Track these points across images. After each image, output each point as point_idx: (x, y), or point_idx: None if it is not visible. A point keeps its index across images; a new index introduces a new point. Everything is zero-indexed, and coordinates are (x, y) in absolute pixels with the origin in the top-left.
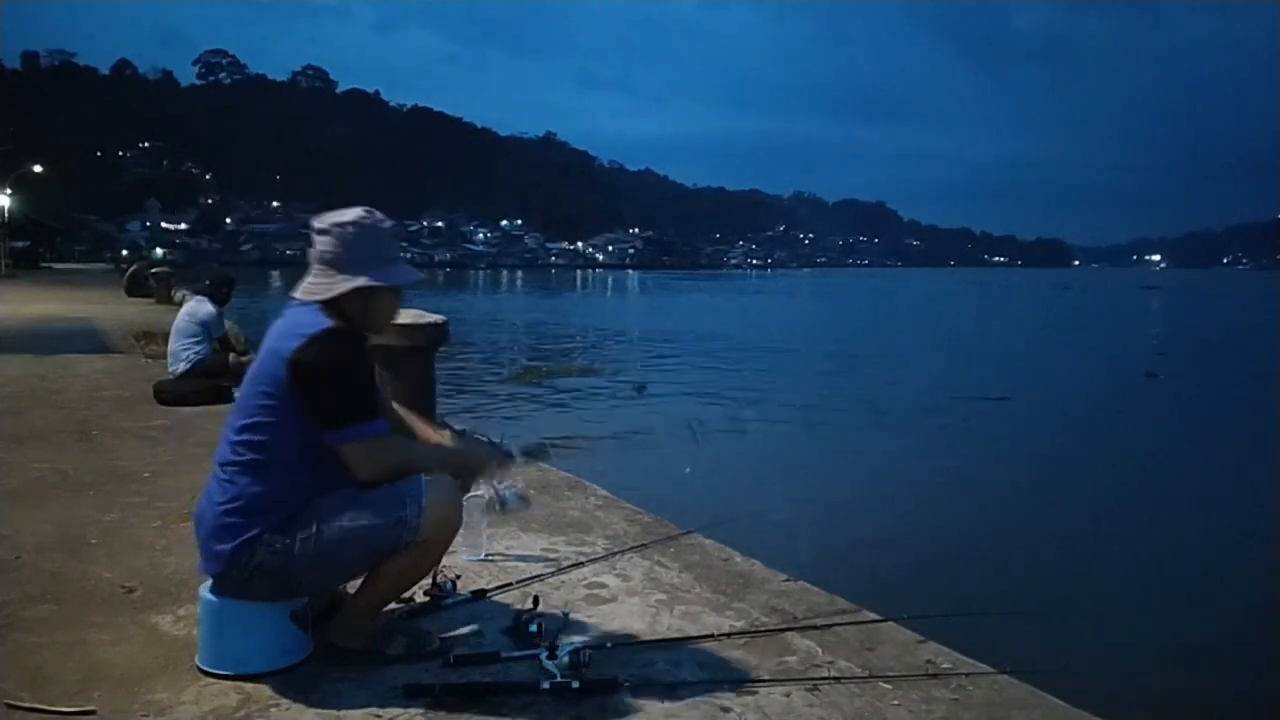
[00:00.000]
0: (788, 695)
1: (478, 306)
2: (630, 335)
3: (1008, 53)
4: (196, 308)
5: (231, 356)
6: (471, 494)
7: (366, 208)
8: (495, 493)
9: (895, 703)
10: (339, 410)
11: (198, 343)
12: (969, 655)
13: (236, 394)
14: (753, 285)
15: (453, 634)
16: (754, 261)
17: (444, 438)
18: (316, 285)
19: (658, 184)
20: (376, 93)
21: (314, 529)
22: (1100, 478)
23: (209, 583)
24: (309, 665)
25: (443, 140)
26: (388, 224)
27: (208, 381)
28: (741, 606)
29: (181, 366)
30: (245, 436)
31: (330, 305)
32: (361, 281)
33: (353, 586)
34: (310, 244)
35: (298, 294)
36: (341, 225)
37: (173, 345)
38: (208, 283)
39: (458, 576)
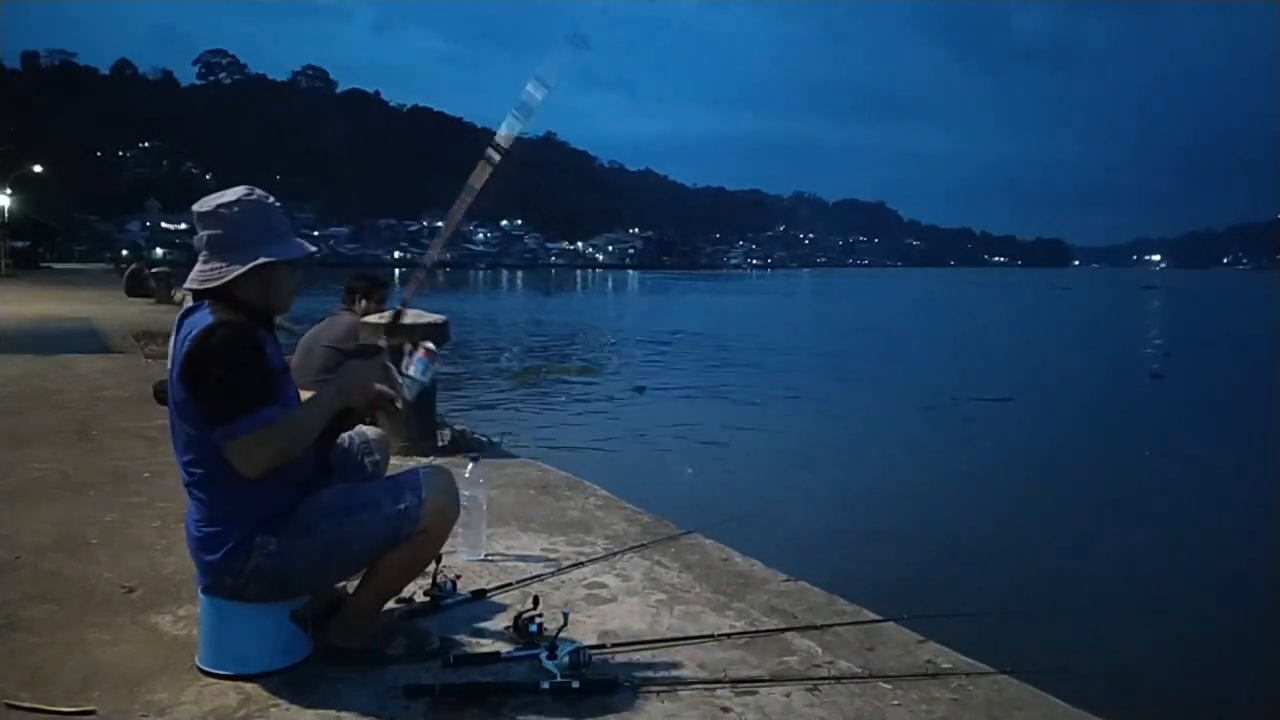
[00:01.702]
0: (788, 695)
1: (478, 306)
2: (629, 335)
3: (1008, 53)
4: None
5: None
6: (463, 493)
7: (248, 186)
8: (402, 378)
9: (895, 703)
10: (217, 409)
11: None
12: (969, 655)
13: None
14: (753, 285)
15: (452, 634)
16: (754, 261)
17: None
18: (209, 272)
19: (658, 184)
20: (376, 93)
21: (312, 529)
22: (1101, 478)
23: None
24: (309, 665)
25: (443, 140)
26: (271, 199)
27: None
28: (741, 606)
29: None
30: (186, 456)
31: (222, 295)
32: (260, 260)
33: (351, 585)
34: (195, 232)
35: (190, 284)
36: (227, 206)
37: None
38: None
39: (458, 576)
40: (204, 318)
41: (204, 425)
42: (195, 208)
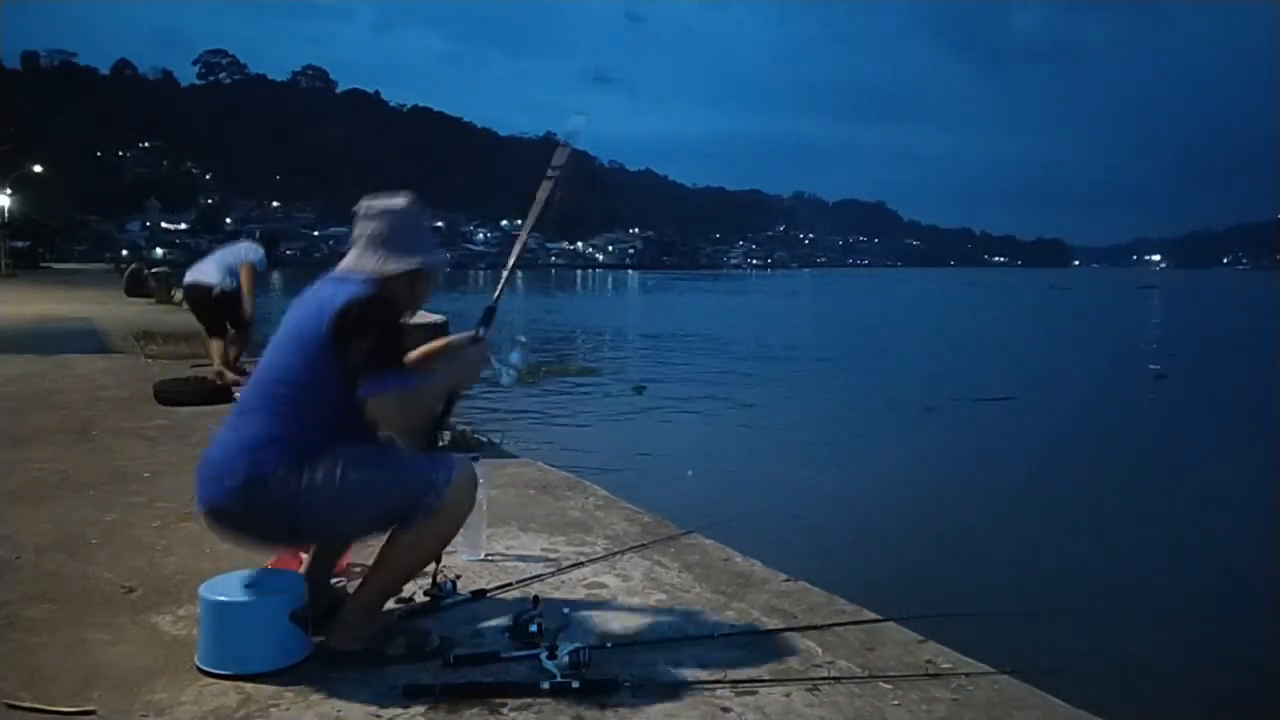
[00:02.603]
0: (788, 695)
1: (477, 306)
2: (629, 336)
3: (1008, 53)
4: (250, 252)
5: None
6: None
7: (408, 195)
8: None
9: (895, 703)
10: (379, 361)
11: (234, 276)
12: (969, 655)
13: (235, 390)
14: (753, 285)
15: (452, 634)
16: (754, 261)
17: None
18: (369, 260)
19: (658, 184)
20: (376, 93)
21: (337, 472)
22: (1102, 478)
23: (209, 582)
24: (309, 665)
25: (443, 140)
26: (425, 211)
27: (206, 383)
28: (741, 606)
29: (229, 282)
30: (277, 386)
31: (370, 281)
32: (417, 263)
33: (351, 585)
34: (356, 224)
35: (348, 265)
36: (396, 210)
37: (213, 267)
38: (258, 235)
39: (458, 576)
40: (359, 286)
41: (344, 374)
42: (364, 204)
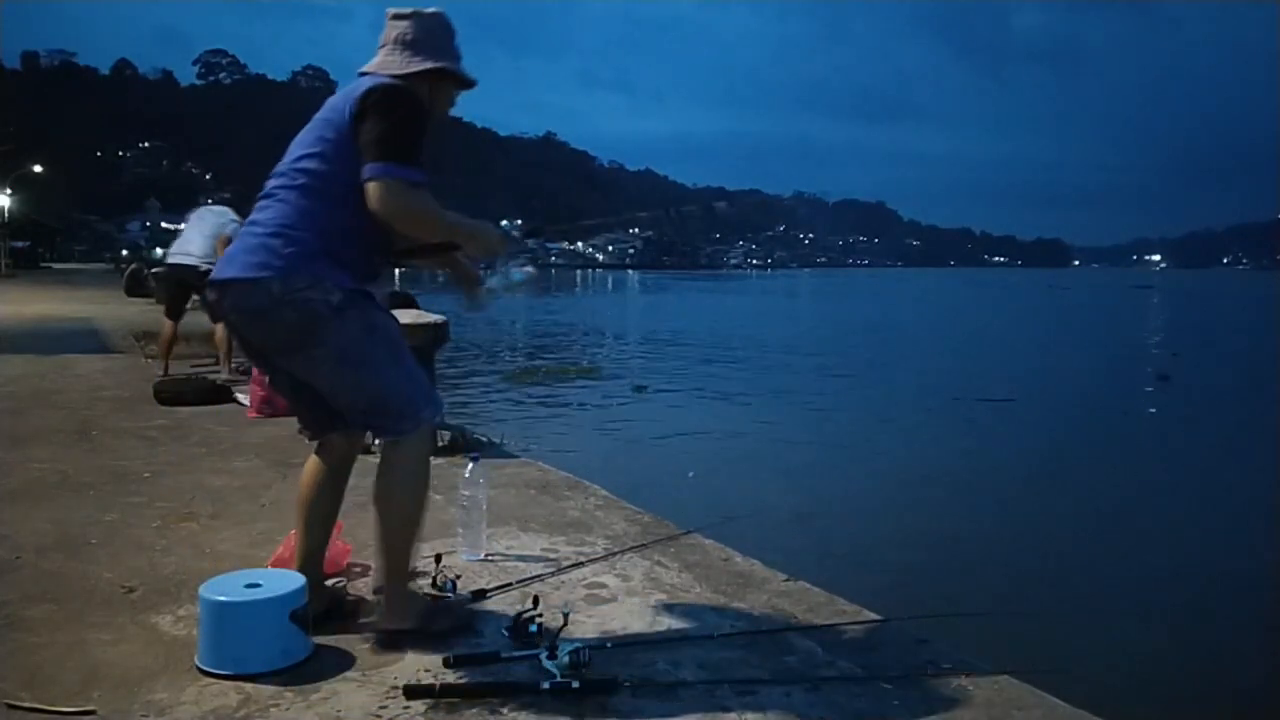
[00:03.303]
0: (788, 695)
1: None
2: (629, 336)
3: (1008, 53)
4: (228, 222)
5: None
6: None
7: (436, 5)
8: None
9: (895, 703)
10: (389, 142)
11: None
12: (969, 655)
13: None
14: (753, 285)
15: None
16: (754, 261)
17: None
18: (393, 61)
19: (658, 184)
20: None
21: (373, 333)
22: (1103, 479)
23: (209, 582)
24: (309, 665)
25: (443, 140)
26: (451, 23)
27: (207, 382)
28: (741, 606)
29: (204, 266)
30: (302, 165)
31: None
32: (441, 64)
33: (355, 584)
34: (384, 28)
35: (372, 66)
36: (423, 14)
37: (195, 239)
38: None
39: (458, 576)
40: (387, 78)
41: (356, 150)
42: (393, 9)
